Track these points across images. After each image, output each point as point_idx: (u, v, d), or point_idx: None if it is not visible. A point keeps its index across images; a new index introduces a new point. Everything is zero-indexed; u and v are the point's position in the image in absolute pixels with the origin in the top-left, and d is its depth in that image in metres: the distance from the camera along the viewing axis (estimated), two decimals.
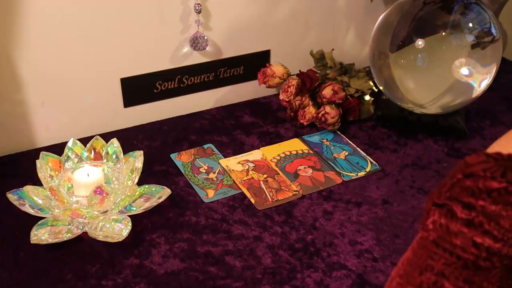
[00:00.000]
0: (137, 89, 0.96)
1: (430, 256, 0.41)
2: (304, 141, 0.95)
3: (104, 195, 0.71)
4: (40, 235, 0.70)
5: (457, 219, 0.40)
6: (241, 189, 0.83)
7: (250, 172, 0.87)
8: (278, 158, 0.90)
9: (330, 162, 0.90)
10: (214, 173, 0.87)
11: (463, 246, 0.40)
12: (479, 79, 0.89)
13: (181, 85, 0.99)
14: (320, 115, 0.95)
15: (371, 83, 1.00)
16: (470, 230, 0.40)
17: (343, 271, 0.69)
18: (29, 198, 0.73)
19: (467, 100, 0.92)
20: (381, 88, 0.97)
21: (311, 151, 0.93)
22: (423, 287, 0.40)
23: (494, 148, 0.44)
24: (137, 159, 0.78)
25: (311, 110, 0.97)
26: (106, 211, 0.74)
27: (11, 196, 0.73)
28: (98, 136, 0.83)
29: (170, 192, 0.77)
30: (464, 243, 0.40)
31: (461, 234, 0.40)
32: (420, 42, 0.87)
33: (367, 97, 1.00)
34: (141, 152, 0.79)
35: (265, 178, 0.85)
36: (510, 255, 0.39)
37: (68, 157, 0.80)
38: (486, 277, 0.39)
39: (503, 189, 0.39)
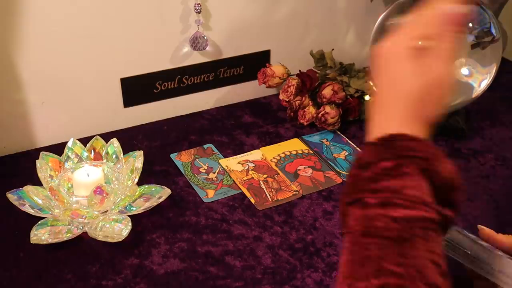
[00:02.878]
0: (137, 89, 0.96)
1: (364, 247, 0.42)
2: (304, 141, 0.95)
3: (104, 195, 0.71)
4: (40, 235, 0.70)
5: (371, 205, 0.43)
6: (241, 189, 0.83)
7: (250, 172, 0.87)
8: (278, 158, 0.90)
9: (330, 162, 0.90)
10: (214, 173, 0.87)
11: (385, 225, 0.42)
12: (479, 79, 0.89)
13: (181, 85, 0.99)
14: (320, 115, 0.95)
15: (371, 83, 1.00)
16: (384, 209, 0.42)
17: None
18: (29, 198, 0.73)
19: (467, 100, 0.92)
20: None
21: (311, 151, 0.93)
22: (369, 277, 0.41)
23: (373, 132, 0.47)
24: (137, 159, 0.78)
25: (311, 110, 0.97)
26: (106, 211, 0.74)
27: (11, 196, 0.73)
28: (98, 136, 0.83)
29: (170, 192, 0.77)
30: (385, 222, 0.42)
31: (379, 216, 0.42)
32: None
33: (367, 97, 1.00)
34: (141, 152, 0.79)
35: (265, 178, 0.85)
36: (426, 216, 0.42)
37: (68, 157, 0.80)
38: (417, 246, 0.41)
39: (395, 165, 0.43)
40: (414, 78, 0.46)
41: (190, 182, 0.84)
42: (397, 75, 0.46)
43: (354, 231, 0.44)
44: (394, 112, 0.46)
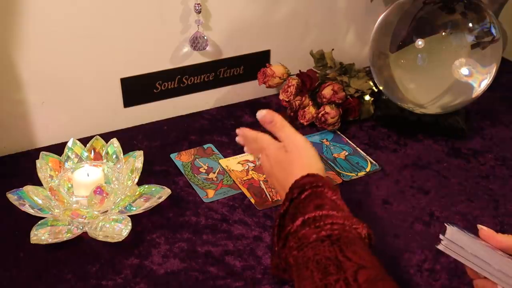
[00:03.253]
0: (137, 89, 0.96)
1: (302, 256, 0.54)
2: None
3: (104, 195, 0.71)
4: (40, 235, 0.70)
5: (297, 230, 0.57)
6: (241, 189, 0.83)
7: (250, 172, 0.87)
8: None
9: (330, 162, 0.90)
10: (214, 173, 0.87)
11: (311, 234, 0.55)
12: (479, 79, 0.89)
13: (181, 85, 0.99)
14: (320, 115, 0.95)
15: (371, 83, 1.00)
16: (307, 225, 0.56)
17: None
18: (29, 198, 0.73)
19: (467, 100, 0.92)
20: (381, 88, 0.97)
21: None
22: (313, 271, 0.51)
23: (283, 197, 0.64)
24: (137, 159, 0.78)
25: (311, 110, 0.97)
26: (106, 211, 0.74)
27: (11, 196, 0.73)
28: (98, 136, 0.83)
29: (170, 192, 0.77)
30: (311, 232, 0.55)
31: (305, 231, 0.55)
32: (420, 42, 0.87)
33: (367, 97, 1.00)
34: (141, 152, 0.79)
35: (265, 178, 0.85)
36: (337, 222, 0.56)
37: (68, 157, 0.80)
38: (345, 241, 0.53)
39: (304, 197, 0.59)
40: (287, 154, 0.66)
41: (190, 182, 0.84)
42: (280, 159, 0.67)
43: (294, 256, 0.55)
44: (288, 180, 0.63)
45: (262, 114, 0.70)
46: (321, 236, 0.54)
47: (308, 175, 0.62)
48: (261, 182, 0.84)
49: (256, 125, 0.99)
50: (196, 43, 0.93)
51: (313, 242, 0.54)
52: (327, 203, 0.58)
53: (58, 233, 0.70)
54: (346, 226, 0.55)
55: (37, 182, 0.75)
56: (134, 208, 0.75)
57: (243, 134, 0.74)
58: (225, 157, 0.90)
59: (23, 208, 0.72)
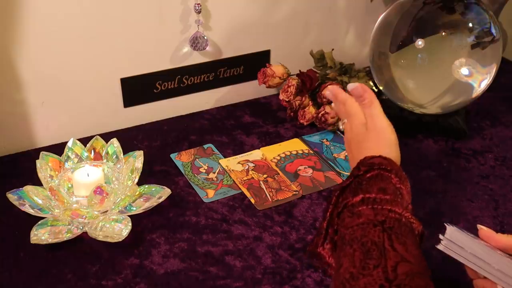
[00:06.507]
0: (137, 89, 0.96)
1: (350, 233, 0.54)
2: (304, 141, 0.95)
3: (104, 195, 0.71)
4: (40, 235, 0.70)
5: (355, 204, 0.56)
6: (241, 189, 0.83)
7: (250, 172, 0.87)
8: (278, 158, 0.90)
9: (330, 162, 0.90)
10: (214, 173, 0.87)
11: (364, 213, 0.55)
12: (479, 79, 0.89)
13: (181, 85, 0.99)
14: (320, 115, 0.95)
15: (371, 83, 1.00)
16: (364, 203, 0.56)
17: None
18: (29, 198, 0.73)
19: (467, 100, 0.92)
20: (381, 88, 0.97)
21: (311, 151, 0.93)
22: (356, 250, 0.51)
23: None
24: (137, 159, 0.78)
25: (311, 110, 0.97)
26: (106, 211, 0.74)
27: (11, 196, 0.73)
28: (98, 136, 0.83)
29: (170, 192, 0.77)
30: (368, 212, 0.54)
31: (360, 209, 0.55)
32: (420, 42, 0.87)
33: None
34: (141, 152, 0.79)
35: (265, 178, 0.85)
36: (392, 209, 0.54)
37: (68, 157, 0.80)
38: (396, 236, 0.52)
39: (371, 176, 0.58)
40: (366, 132, 0.65)
41: (190, 182, 0.84)
42: (359, 134, 0.66)
43: (343, 230, 0.55)
44: (359, 156, 0.62)
45: (353, 86, 0.68)
46: (375, 220, 0.53)
47: (379, 157, 0.60)
48: (261, 182, 0.84)
49: (256, 126, 0.99)
50: (196, 43, 0.93)
51: (365, 223, 0.53)
52: (390, 188, 0.57)
53: (58, 233, 0.70)
54: (403, 217, 0.54)
55: (37, 182, 0.75)
56: (134, 208, 0.75)
57: (333, 92, 0.72)
58: (225, 157, 0.90)
59: (23, 208, 0.72)
